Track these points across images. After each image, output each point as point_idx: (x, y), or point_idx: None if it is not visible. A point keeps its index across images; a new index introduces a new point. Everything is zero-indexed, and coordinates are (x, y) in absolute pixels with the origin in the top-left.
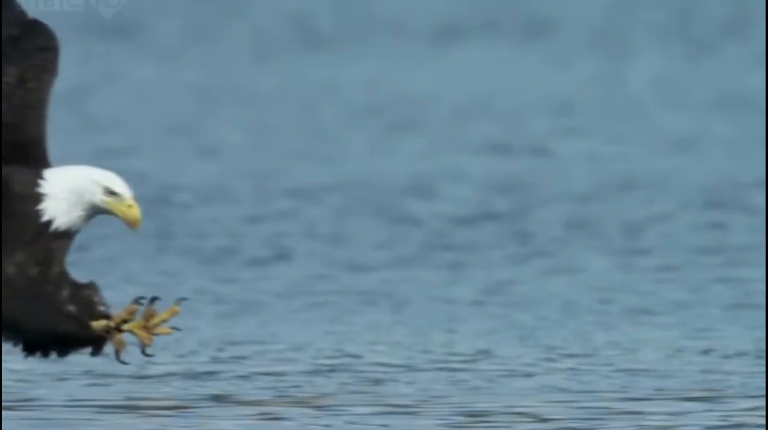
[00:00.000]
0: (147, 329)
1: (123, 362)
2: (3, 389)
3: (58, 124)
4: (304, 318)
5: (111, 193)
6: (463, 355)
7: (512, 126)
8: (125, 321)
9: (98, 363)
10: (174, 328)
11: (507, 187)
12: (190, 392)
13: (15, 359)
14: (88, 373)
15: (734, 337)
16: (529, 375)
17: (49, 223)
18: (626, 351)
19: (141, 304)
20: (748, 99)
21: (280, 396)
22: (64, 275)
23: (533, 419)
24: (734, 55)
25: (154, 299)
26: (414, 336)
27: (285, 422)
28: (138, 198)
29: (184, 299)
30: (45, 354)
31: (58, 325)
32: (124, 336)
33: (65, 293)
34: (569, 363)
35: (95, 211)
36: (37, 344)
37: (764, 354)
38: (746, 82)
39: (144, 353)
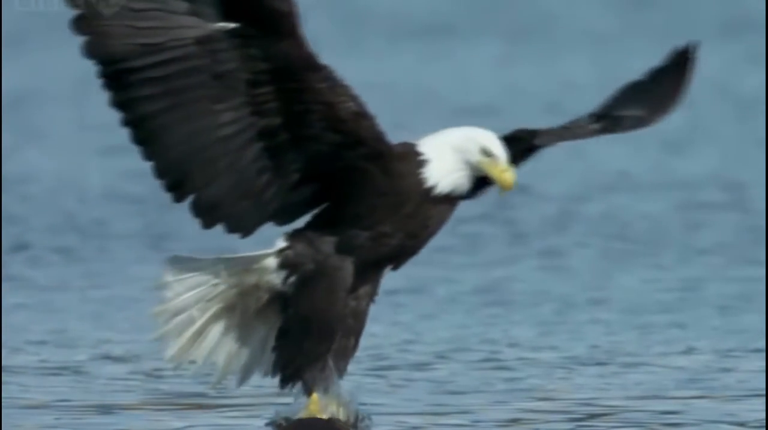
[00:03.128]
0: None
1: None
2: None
3: (58, 124)
4: None
5: (487, 153)
6: (457, 354)
7: (506, 125)
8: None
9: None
10: None
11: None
12: (194, 390)
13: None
14: (92, 373)
15: (731, 335)
16: (523, 373)
17: (432, 188)
18: (621, 350)
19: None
20: (746, 98)
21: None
22: (368, 301)
23: (530, 418)
24: (732, 55)
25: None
26: (409, 334)
27: None
28: (137, 197)
29: None
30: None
31: (308, 362)
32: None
33: (351, 341)
34: (565, 362)
35: (472, 172)
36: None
37: (764, 353)
38: (744, 82)
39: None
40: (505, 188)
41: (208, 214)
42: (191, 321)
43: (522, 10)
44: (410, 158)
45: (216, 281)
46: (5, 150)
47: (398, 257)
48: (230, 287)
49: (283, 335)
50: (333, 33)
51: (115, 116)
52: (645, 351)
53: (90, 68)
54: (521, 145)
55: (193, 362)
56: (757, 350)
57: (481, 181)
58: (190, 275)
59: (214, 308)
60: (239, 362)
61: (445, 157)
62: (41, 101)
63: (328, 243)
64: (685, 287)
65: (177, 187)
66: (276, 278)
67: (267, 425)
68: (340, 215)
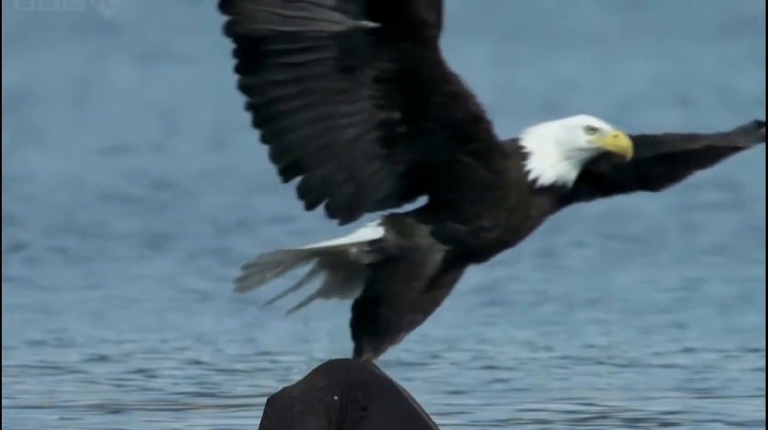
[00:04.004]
0: None
1: None
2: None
3: (58, 124)
4: (303, 315)
5: (592, 130)
6: (456, 353)
7: (504, 125)
8: None
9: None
10: None
11: None
12: (192, 390)
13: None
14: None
15: (731, 335)
16: (522, 373)
17: (535, 180)
18: (620, 349)
19: None
20: (746, 98)
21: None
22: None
23: (529, 418)
24: (733, 55)
25: None
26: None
27: None
28: (136, 197)
29: None
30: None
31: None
32: None
33: (418, 318)
34: (563, 362)
35: (580, 158)
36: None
37: (764, 353)
38: (744, 82)
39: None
40: (624, 152)
41: (312, 196)
42: (275, 262)
43: (520, 9)
44: (514, 153)
45: (309, 249)
46: (5, 150)
47: (492, 252)
48: (321, 254)
49: (358, 300)
50: None
51: (114, 116)
52: (644, 351)
53: (90, 68)
54: (646, 152)
55: (259, 284)
56: (757, 350)
57: (583, 177)
58: (286, 248)
59: (300, 257)
60: (306, 291)
61: (547, 150)
62: (41, 101)
63: (421, 232)
64: (684, 287)
65: (289, 170)
66: (363, 256)
67: None
68: (439, 206)
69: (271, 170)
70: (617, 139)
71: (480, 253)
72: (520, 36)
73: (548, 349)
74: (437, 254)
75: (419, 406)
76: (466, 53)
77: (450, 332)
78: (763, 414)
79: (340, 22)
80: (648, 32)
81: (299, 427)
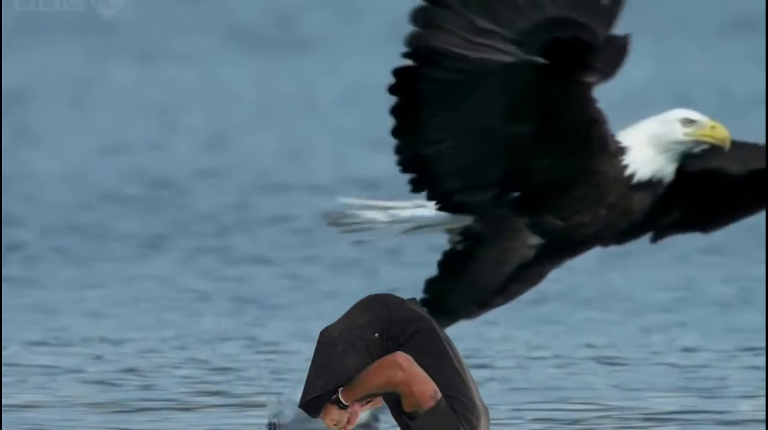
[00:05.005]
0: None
1: None
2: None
3: (58, 124)
4: (302, 314)
5: (689, 122)
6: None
7: None
8: None
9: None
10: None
11: None
12: (191, 390)
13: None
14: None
15: (731, 334)
16: (520, 373)
17: (632, 176)
18: (620, 349)
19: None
20: (746, 98)
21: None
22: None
23: (528, 418)
24: (733, 55)
25: None
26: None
27: None
28: (136, 197)
29: None
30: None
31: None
32: None
33: (498, 300)
34: (563, 361)
35: (677, 151)
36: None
37: (763, 352)
38: (744, 82)
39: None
40: (723, 142)
41: (422, 184)
42: (368, 219)
43: None
44: (614, 152)
45: (402, 217)
46: (5, 150)
47: (585, 246)
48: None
49: (441, 273)
50: (334, 32)
51: (113, 116)
52: (643, 350)
53: (89, 68)
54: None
55: (345, 224)
56: (757, 350)
57: (680, 178)
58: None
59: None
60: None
61: (644, 145)
62: (41, 101)
63: (517, 223)
64: (684, 286)
65: (411, 162)
66: (455, 244)
67: (265, 425)
68: (537, 200)
69: (271, 170)
70: (715, 130)
71: (573, 247)
72: None
73: (547, 348)
74: (530, 244)
75: (455, 350)
76: None
77: (447, 330)
78: (763, 414)
79: (513, 54)
80: (647, 32)
81: (340, 364)
